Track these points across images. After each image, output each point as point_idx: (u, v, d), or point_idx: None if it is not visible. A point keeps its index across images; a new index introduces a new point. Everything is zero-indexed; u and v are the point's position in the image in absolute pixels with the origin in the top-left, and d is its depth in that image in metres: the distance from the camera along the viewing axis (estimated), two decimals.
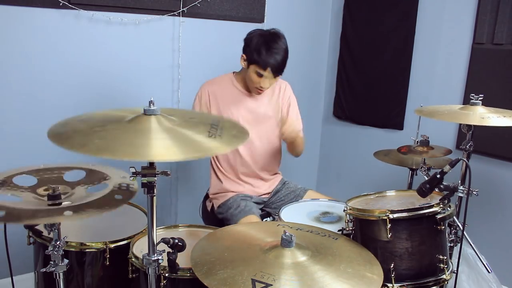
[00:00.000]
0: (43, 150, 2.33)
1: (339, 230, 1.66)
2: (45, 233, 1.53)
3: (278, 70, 2.03)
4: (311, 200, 2.22)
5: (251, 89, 2.14)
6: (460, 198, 1.84)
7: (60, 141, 1.14)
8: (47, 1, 2.20)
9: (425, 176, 2.06)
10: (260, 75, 2.02)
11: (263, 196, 2.32)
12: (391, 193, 1.89)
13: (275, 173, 2.38)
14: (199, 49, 2.74)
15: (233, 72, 2.22)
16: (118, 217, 1.85)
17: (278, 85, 2.28)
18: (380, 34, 3.02)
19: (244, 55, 2.07)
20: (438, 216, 1.58)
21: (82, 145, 1.13)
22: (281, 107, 2.27)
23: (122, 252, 1.59)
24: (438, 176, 1.63)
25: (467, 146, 1.80)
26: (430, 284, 1.58)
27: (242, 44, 2.15)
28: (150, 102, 1.26)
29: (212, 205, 2.27)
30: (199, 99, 2.17)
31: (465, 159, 1.73)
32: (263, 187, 2.31)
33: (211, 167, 2.31)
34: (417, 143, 2.22)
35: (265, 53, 1.98)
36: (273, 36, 2.04)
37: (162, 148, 1.13)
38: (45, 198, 1.31)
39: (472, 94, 1.88)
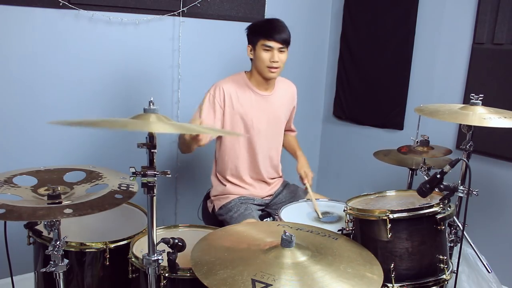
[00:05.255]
0: (43, 150, 2.34)
1: (339, 230, 1.66)
2: (45, 233, 1.53)
3: (283, 39, 2.05)
4: (311, 200, 2.22)
5: (264, 72, 2.09)
6: (460, 198, 1.84)
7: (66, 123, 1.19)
8: (47, 1, 2.20)
9: (425, 176, 2.06)
10: (268, 48, 2.04)
11: (265, 198, 2.31)
12: (391, 193, 1.89)
13: (279, 176, 2.39)
14: (199, 49, 2.74)
15: (245, 72, 2.21)
16: (118, 217, 1.85)
17: (291, 89, 2.33)
18: (380, 34, 3.02)
19: (249, 46, 2.11)
20: (438, 216, 1.58)
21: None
22: (291, 111, 2.36)
23: (122, 252, 1.59)
24: (438, 176, 1.63)
25: (467, 146, 1.80)
26: (430, 284, 1.58)
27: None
28: (150, 102, 1.26)
29: (213, 206, 2.27)
30: (211, 98, 2.10)
31: (465, 159, 1.73)
32: (266, 190, 2.30)
33: (214, 170, 2.30)
34: (417, 143, 2.21)
35: (266, 25, 2.08)
36: (269, 18, 2.16)
37: (159, 126, 1.20)
38: (45, 198, 1.32)
39: (472, 94, 1.88)
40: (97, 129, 2.47)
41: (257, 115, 2.17)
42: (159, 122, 1.21)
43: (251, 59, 2.14)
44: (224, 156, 2.22)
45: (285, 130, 2.39)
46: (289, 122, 2.41)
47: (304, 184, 2.31)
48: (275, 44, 2.04)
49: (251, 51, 2.11)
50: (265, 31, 2.05)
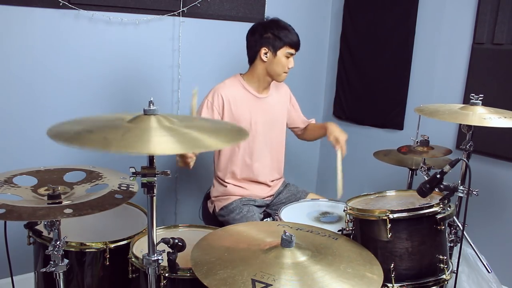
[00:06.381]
0: (43, 150, 2.34)
1: (339, 230, 1.66)
2: (45, 233, 1.53)
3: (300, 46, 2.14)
4: (311, 200, 2.22)
5: (278, 77, 2.14)
6: (460, 198, 1.84)
7: (60, 139, 1.13)
8: (47, 1, 2.20)
9: (425, 176, 2.06)
10: (289, 55, 2.10)
11: (266, 198, 2.31)
12: (391, 193, 1.89)
13: (280, 177, 2.38)
14: (199, 49, 2.74)
15: (240, 74, 2.20)
16: (118, 217, 1.85)
17: (283, 89, 2.33)
18: (380, 34, 3.02)
19: (265, 48, 2.07)
20: (438, 216, 1.58)
21: (85, 141, 1.12)
22: (289, 110, 2.36)
23: (122, 252, 1.59)
24: (438, 176, 1.63)
25: (467, 146, 1.80)
26: (430, 284, 1.58)
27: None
28: (150, 102, 1.25)
29: (214, 207, 2.27)
30: (209, 105, 2.10)
31: (465, 159, 1.73)
32: (266, 190, 2.30)
33: (214, 173, 2.29)
34: (417, 143, 2.21)
35: (288, 33, 2.08)
36: (278, 20, 2.14)
37: (161, 143, 1.13)
38: (45, 198, 1.32)
39: (472, 94, 1.88)
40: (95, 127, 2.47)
41: (256, 118, 2.17)
42: (160, 130, 1.17)
43: (254, 60, 2.13)
44: (223, 160, 2.22)
45: (302, 127, 2.43)
46: (298, 118, 2.42)
47: (337, 150, 2.25)
48: (295, 52, 2.11)
49: (265, 54, 2.08)
50: (291, 39, 2.08)
